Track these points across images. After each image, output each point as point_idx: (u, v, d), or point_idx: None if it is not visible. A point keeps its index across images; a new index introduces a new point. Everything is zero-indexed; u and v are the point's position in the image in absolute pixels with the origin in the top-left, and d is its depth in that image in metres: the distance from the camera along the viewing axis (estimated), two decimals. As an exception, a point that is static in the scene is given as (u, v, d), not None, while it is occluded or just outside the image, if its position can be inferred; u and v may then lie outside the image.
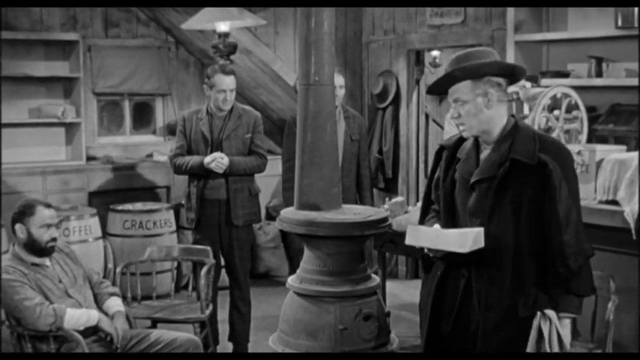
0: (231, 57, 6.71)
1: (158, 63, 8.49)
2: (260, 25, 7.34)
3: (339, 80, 5.50)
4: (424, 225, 3.49)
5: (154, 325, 5.25)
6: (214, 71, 5.56)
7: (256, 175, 5.79)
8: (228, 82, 5.52)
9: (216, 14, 6.67)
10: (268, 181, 8.09)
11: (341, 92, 5.67)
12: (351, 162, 5.90)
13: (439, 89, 3.37)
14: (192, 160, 5.57)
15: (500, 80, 3.27)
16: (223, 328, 5.86)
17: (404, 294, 7.38)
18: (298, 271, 3.88)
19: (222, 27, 6.59)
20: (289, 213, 3.90)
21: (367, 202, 5.90)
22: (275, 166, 8.13)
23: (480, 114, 3.25)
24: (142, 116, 8.72)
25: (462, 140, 3.43)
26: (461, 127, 3.31)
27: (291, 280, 3.89)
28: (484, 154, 3.31)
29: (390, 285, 6.71)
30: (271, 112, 8.73)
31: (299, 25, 3.91)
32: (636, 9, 5.48)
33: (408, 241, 3.36)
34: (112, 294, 4.69)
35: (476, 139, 3.36)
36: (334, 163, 3.91)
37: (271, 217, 8.19)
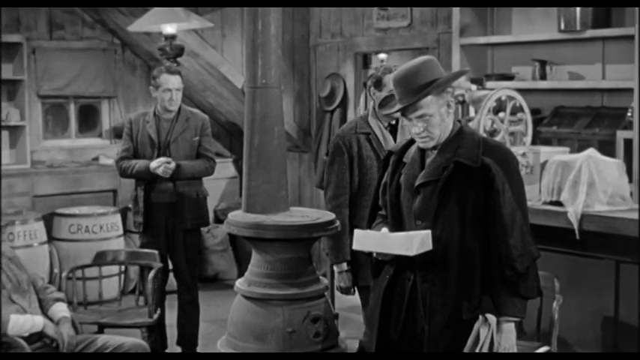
0: (178, 59, 6.67)
1: (104, 65, 8.40)
2: (207, 28, 7.32)
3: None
4: (372, 230, 3.51)
5: (100, 331, 5.19)
6: (160, 71, 5.54)
7: (204, 178, 5.76)
8: (173, 81, 5.50)
9: (163, 16, 6.63)
10: (217, 184, 8.05)
11: None
12: None
13: (406, 111, 3.30)
14: (139, 164, 5.52)
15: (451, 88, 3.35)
16: (172, 333, 5.82)
17: (352, 296, 7.38)
18: (246, 274, 3.88)
19: (169, 29, 6.55)
20: (237, 216, 3.90)
21: None
22: (223, 169, 8.12)
23: (442, 123, 3.30)
24: (88, 119, 8.61)
25: (408, 145, 3.46)
26: (426, 140, 3.30)
27: (239, 283, 3.89)
28: (430, 157, 3.34)
29: (338, 287, 6.71)
30: (219, 114, 8.70)
31: (246, 27, 3.91)
32: (578, 13, 5.57)
33: (355, 246, 3.37)
34: (57, 299, 4.62)
35: None
36: (282, 166, 3.92)
37: (220, 220, 8.16)
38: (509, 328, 3.26)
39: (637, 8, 5.27)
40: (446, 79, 3.29)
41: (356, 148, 4.39)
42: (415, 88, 3.25)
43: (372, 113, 4.47)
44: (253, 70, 3.88)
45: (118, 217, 7.44)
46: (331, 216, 3.94)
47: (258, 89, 3.88)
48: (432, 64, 3.32)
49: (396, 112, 3.34)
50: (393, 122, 4.46)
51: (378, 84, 4.44)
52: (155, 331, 5.36)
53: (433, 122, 3.27)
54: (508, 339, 3.25)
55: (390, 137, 4.44)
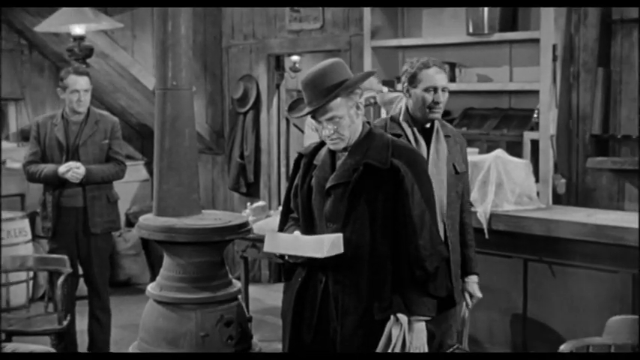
0: (88, 61, 6.55)
1: (10, 66, 8.18)
2: (117, 29, 7.21)
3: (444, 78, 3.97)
4: (284, 232, 3.50)
5: (8, 339, 5.06)
6: (67, 72, 5.45)
7: (115, 182, 5.67)
8: (81, 82, 5.41)
9: (71, 17, 6.49)
10: (128, 188, 7.94)
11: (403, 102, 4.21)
12: (455, 206, 3.99)
13: (316, 113, 3.32)
14: (47, 168, 5.40)
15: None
16: (82, 339, 5.71)
17: (267, 298, 7.40)
18: (158, 278, 3.84)
19: (78, 30, 6.42)
20: (148, 219, 3.86)
21: (474, 267, 4.13)
22: (134, 171, 8.01)
23: (352, 125, 3.32)
24: (-6, 122, 8.39)
25: (319, 147, 3.48)
26: (336, 142, 3.32)
27: (150, 287, 3.85)
28: (340, 160, 3.36)
29: (253, 289, 6.71)
30: (130, 116, 8.59)
31: (155, 28, 3.88)
32: (486, 16, 5.69)
33: (266, 248, 3.37)
34: (-38, 307, 4.50)
35: None
36: (193, 168, 3.89)
37: (132, 223, 8.05)
38: (420, 327, 3.29)
39: (542, 12, 5.41)
40: (354, 81, 3.32)
41: None
42: (324, 90, 3.26)
43: (405, 114, 3.96)
44: (163, 71, 3.85)
45: (26, 222, 7.27)
46: (243, 218, 3.92)
47: (169, 91, 3.85)
48: (339, 66, 3.35)
49: (306, 115, 3.35)
50: (428, 125, 3.93)
51: (413, 80, 3.91)
52: (65, 337, 5.25)
53: (343, 124, 3.29)
54: (419, 338, 3.29)
55: (422, 141, 3.91)
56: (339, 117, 3.28)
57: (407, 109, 3.95)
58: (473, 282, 4.10)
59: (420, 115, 3.88)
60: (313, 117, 3.33)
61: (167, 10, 3.81)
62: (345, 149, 3.34)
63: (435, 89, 3.84)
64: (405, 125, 3.92)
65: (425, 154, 3.84)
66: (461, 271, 4.02)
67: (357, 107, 3.32)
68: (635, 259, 4.50)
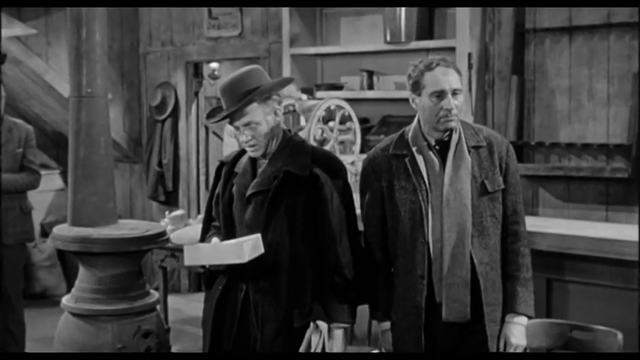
0: (1, 67, 6.40)
1: None
2: (31, 35, 7.06)
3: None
4: (205, 242, 3.47)
5: None
6: (-21, 81, 5.33)
7: (30, 191, 5.55)
8: None
9: (-17, 23, 6.35)
10: (43, 197, 7.77)
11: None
12: (494, 233, 3.31)
13: (232, 118, 3.32)
14: (-43, 177, 5.27)
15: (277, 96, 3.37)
16: (-5, 353, 5.57)
17: (187, 308, 7.33)
18: (73, 290, 3.77)
19: (-11, 36, 6.28)
20: (63, 230, 3.79)
21: (516, 305, 3.32)
22: (49, 181, 7.85)
23: (270, 132, 3.32)
24: None
25: (240, 155, 3.48)
26: (254, 148, 3.32)
27: (65, 300, 3.78)
28: (261, 167, 3.36)
29: (172, 299, 6.64)
30: (45, 124, 8.41)
31: (69, 35, 3.82)
32: (403, 25, 5.75)
33: (187, 262, 3.31)
34: None
35: None
36: (109, 177, 3.84)
37: (46, 234, 7.89)
38: (340, 334, 3.30)
39: (458, 21, 5.50)
40: (269, 86, 3.33)
41: (387, 175, 3.31)
42: (240, 95, 3.27)
43: (415, 129, 3.33)
44: (78, 78, 3.79)
45: None
46: (161, 227, 3.88)
47: (84, 98, 3.79)
48: (257, 72, 3.35)
49: (222, 119, 3.34)
50: (446, 137, 3.26)
51: (416, 87, 3.30)
52: (-23, 352, 5.11)
53: (260, 130, 3.29)
54: (339, 345, 3.30)
55: (436, 160, 3.24)
56: (256, 123, 3.28)
57: (418, 123, 3.34)
58: (514, 325, 3.29)
59: (429, 129, 3.26)
60: (231, 123, 3.32)
61: (81, 15, 3.75)
62: (265, 156, 3.34)
63: (442, 94, 3.19)
64: (413, 141, 3.30)
65: (440, 176, 3.22)
66: (502, 309, 3.29)
67: (275, 114, 3.33)
68: (547, 263, 4.60)
